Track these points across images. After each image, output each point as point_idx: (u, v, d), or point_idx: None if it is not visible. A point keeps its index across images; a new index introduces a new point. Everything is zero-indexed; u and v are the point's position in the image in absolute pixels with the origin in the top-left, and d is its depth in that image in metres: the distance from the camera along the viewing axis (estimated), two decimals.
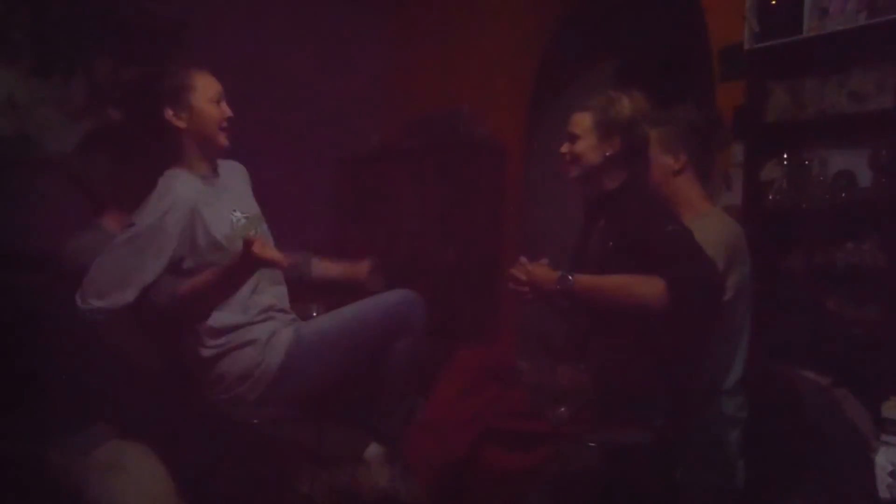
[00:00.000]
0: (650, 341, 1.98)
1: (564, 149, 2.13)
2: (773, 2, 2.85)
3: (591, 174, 2.11)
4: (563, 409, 1.95)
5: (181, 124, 2.05)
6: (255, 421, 2.02)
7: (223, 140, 2.10)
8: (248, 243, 1.83)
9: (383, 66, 4.87)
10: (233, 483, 2.09)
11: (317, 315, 2.62)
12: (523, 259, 2.05)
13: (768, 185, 2.89)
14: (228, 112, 2.10)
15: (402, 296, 2.09)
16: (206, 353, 2.00)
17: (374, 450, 2.05)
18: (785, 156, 2.87)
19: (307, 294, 2.47)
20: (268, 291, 2.12)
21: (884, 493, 2.16)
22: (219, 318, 2.00)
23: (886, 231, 2.61)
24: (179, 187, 2.02)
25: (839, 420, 2.33)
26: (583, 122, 2.11)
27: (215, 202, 2.06)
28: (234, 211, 2.09)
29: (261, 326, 2.05)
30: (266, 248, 1.87)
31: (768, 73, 2.92)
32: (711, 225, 2.19)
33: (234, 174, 2.24)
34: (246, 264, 1.88)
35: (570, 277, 1.96)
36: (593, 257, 2.11)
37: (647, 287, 1.89)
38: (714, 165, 2.58)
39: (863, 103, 2.71)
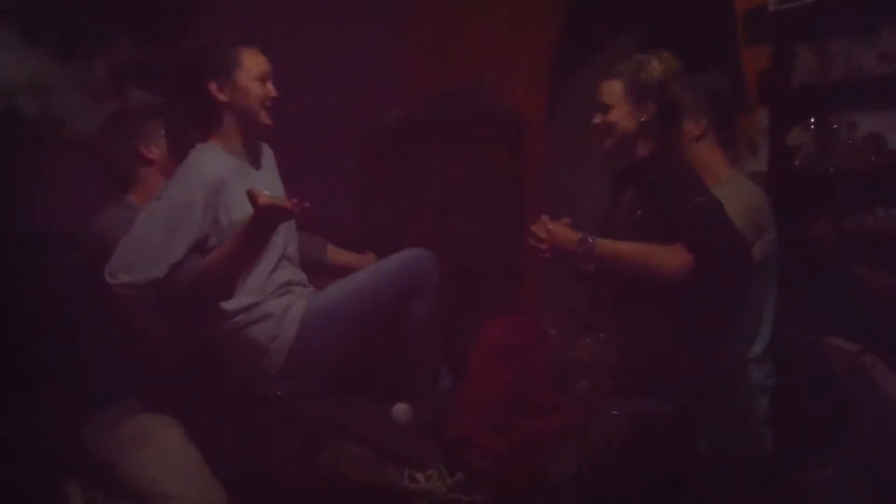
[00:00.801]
0: (675, 313, 1.95)
1: (597, 120, 2.09)
2: None
3: (626, 143, 2.08)
4: (583, 382, 1.95)
5: (224, 98, 2.06)
6: (279, 393, 2.04)
7: (265, 118, 2.09)
8: (252, 196, 1.83)
9: (404, 40, 4.84)
10: (260, 456, 2.12)
11: None
12: (545, 217, 2.02)
13: (795, 150, 2.84)
14: (273, 92, 2.10)
15: (412, 254, 2.09)
16: (226, 329, 2.02)
17: (400, 408, 2.07)
18: (812, 120, 2.81)
19: (323, 279, 2.49)
20: (287, 269, 2.14)
21: None
22: (239, 297, 2.02)
23: None
24: (207, 162, 2.03)
25: (869, 387, 2.30)
26: (614, 89, 2.07)
27: (243, 181, 2.06)
28: (263, 191, 2.09)
29: (277, 301, 2.07)
30: (272, 198, 1.88)
31: (794, 35, 2.85)
32: (734, 191, 2.15)
33: (263, 155, 2.25)
34: (259, 222, 1.88)
35: (590, 239, 1.94)
36: (620, 225, 2.09)
37: (669, 257, 1.87)
38: (737, 130, 2.53)
39: (892, 64, 2.64)
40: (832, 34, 2.79)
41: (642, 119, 2.05)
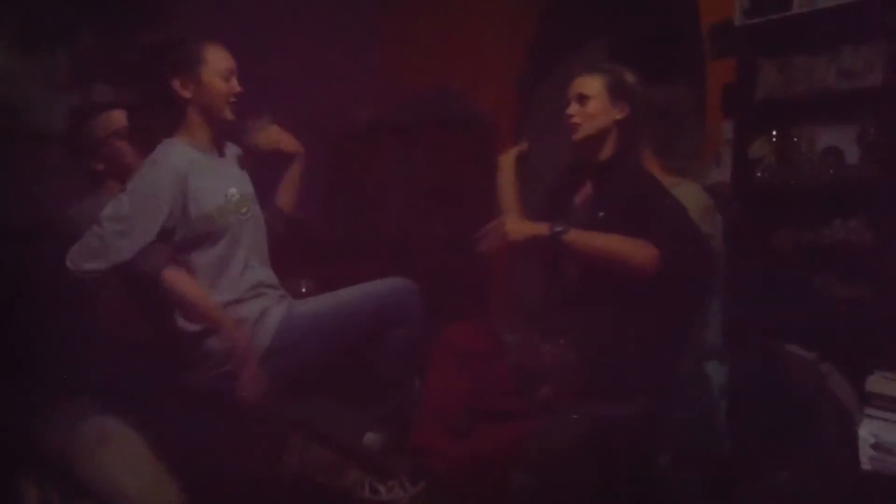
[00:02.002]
0: (635, 313, 1.98)
1: (572, 110, 2.11)
2: None
3: (596, 138, 2.10)
4: (545, 388, 1.95)
5: (187, 94, 2.04)
6: (245, 394, 2.02)
7: (229, 114, 2.09)
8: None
9: (373, 42, 4.83)
10: (224, 456, 2.09)
11: (305, 291, 2.63)
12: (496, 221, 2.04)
13: (757, 161, 2.90)
14: (237, 88, 2.09)
15: (397, 284, 2.09)
16: (194, 328, 2.00)
17: (371, 437, 2.06)
18: (774, 133, 2.88)
19: (296, 269, 2.46)
20: (257, 268, 2.12)
21: (866, 466, 2.20)
22: (209, 296, 2.00)
23: (873, 208, 2.62)
24: (173, 156, 2.02)
25: (824, 394, 2.35)
26: (594, 83, 2.10)
27: (210, 174, 2.06)
28: (231, 186, 2.09)
29: (251, 304, 2.05)
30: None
31: (758, 50, 2.92)
32: (683, 194, 2.20)
33: (232, 150, 2.24)
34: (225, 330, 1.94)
35: (561, 227, 1.95)
36: (577, 225, 2.07)
37: (641, 251, 1.89)
38: (677, 143, 2.61)
39: (851, 80, 2.72)
40: (795, 50, 2.85)
41: (617, 117, 2.09)
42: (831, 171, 2.75)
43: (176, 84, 2.04)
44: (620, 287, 1.95)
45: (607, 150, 2.11)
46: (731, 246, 2.47)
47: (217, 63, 2.06)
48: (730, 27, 2.95)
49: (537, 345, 2.03)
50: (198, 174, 2.02)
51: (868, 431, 2.24)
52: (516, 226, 2.00)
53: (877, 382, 2.30)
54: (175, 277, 1.96)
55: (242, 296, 2.04)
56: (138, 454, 1.95)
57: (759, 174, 2.88)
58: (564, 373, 1.97)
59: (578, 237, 1.95)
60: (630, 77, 2.12)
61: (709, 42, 3.19)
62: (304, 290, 2.68)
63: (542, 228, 1.97)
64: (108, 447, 1.93)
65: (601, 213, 2.06)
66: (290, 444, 2.02)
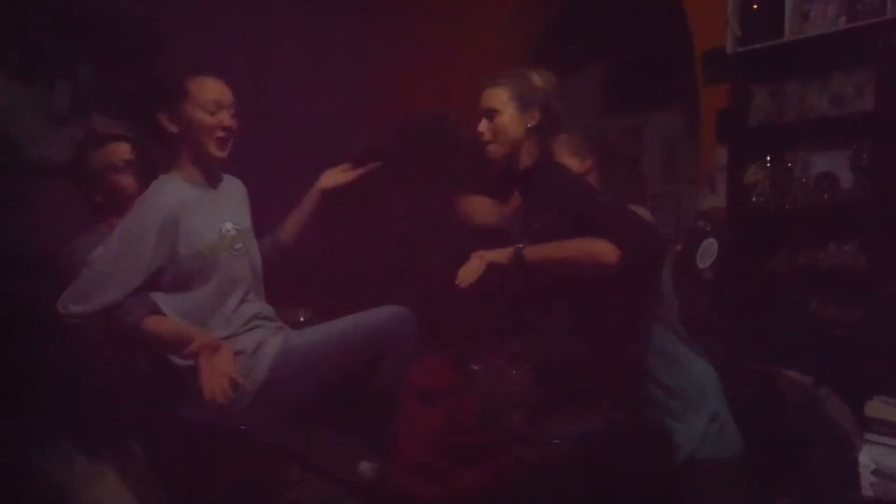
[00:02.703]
0: (587, 315, 1.95)
1: (482, 127, 2.08)
2: (755, 6, 2.88)
3: (513, 150, 2.06)
4: (516, 416, 1.91)
5: (174, 129, 2.01)
6: (242, 427, 2.02)
7: (215, 150, 2.02)
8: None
9: (370, 71, 4.87)
10: (220, 488, 2.08)
11: (304, 320, 2.62)
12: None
13: (752, 187, 2.92)
14: (226, 122, 2.02)
15: (393, 313, 2.07)
16: (187, 362, 1.98)
17: (366, 466, 2.04)
18: (768, 158, 2.90)
19: (293, 299, 2.46)
20: (253, 301, 2.11)
21: (867, 492, 2.19)
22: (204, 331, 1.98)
23: (868, 232, 2.63)
24: (163, 194, 1.99)
25: (822, 419, 2.35)
26: (500, 95, 2.06)
27: (204, 210, 2.02)
28: (226, 221, 2.06)
29: (247, 336, 2.03)
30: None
31: (751, 77, 2.95)
32: None
33: (233, 188, 2.20)
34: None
35: (520, 249, 1.92)
36: (516, 237, 2.04)
37: (599, 246, 1.83)
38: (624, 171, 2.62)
39: (843, 106, 2.75)
40: (787, 76, 2.88)
41: (528, 125, 2.05)
42: (826, 195, 2.77)
43: (163, 118, 2.01)
44: (570, 290, 1.92)
45: (526, 159, 2.08)
46: (726, 271, 2.48)
47: (201, 96, 2.00)
48: (722, 54, 2.98)
49: (503, 371, 1.98)
50: (190, 213, 1.98)
51: (868, 457, 2.24)
52: (489, 256, 1.97)
53: (875, 407, 2.30)
54: (153, 325, 1.90)
55: (237, 330, 2.02)
56: (134, 489, 1.95)
57: (754, 199, 2.90)
58: (533, 396, 1.92)
59: (536, 252, 1.93)
60: (538, 78, 2.07)
61: (702, 69, 3.21)
62: (302, 319, 2.68)
63: (507, 252, 1.95)
64: (104, 482, 1.93)
65: (536, 225, 2.01)
66: (287, 475, 2.01)
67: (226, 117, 2.03)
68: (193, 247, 1.97)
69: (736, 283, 2.36)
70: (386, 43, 4.83)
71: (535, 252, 1.93)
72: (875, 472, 2.22)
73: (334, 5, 4.51)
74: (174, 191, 2.01)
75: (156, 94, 2.04)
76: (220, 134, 2.02)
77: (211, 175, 2.11)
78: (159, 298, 1.94)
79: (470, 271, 1.97)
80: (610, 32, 4.19)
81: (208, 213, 2.03)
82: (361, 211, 4.50)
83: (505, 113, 2.05)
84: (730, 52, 2.93)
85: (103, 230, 2.09)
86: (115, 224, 2.06)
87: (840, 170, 2.79)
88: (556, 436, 1.88)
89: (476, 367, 2.04)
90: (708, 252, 2.68)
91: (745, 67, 2.93)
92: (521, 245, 1.94)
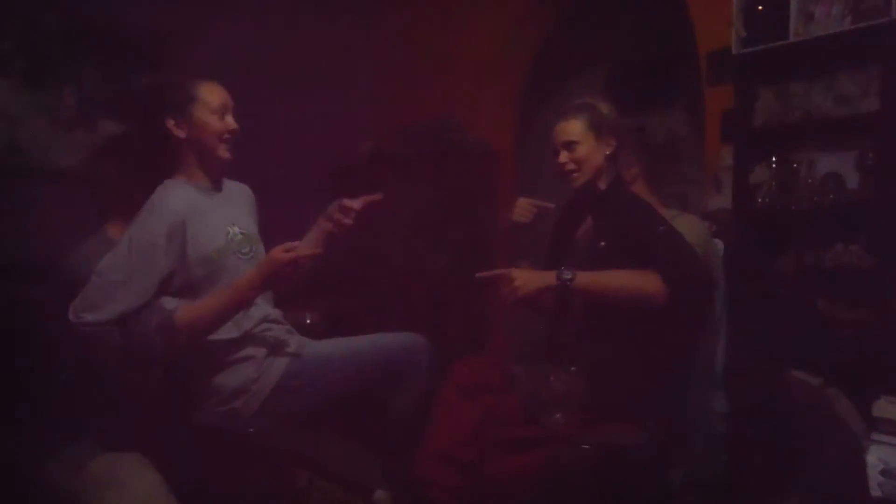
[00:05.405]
0: (641, 341, 1.99)
1: (563, 158, 2.14)
2: (760, 7, 2.88)
3: (594, 177, 2.14)
4: (558, 415, 1.96)
5: (181, 134, 2.03)
6: (251, 430, 2.02)
7: (224, 152, 2.07)
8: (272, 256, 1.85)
9: (373, 74, 4.88)
10: (230, 492, 2.09)
11: (310, 322, 2.63)
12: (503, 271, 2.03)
13: (757, 187, 2.91)
14: (232, 125, 2.07)
15: (410, 340, 2.11)
16: (202, 365, 2.00)
17: (380, 494, 2.05)
18: (773, 159, 2.89)
19: (300, 302, 2.46)
20: (262, 305, 2.12)
21: (875, 492, 2.18)
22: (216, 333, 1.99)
23: (874, 232, 2.63)
24: (171, 199, 2.01)
25: (830, 419, 2.35)
26: (576, 127, 2.13)
27: (210, 214, 2.04)
28: (233, 225, 2.08)
29: (258, 340, 2.05)
30: (291, 255, 1.89)
31: (756, 78, 2.94)
32: (681, 226, 2.22)
33: (239, 193, 2.23)
34: (267, 277, 1.89)
35: (568, 274, 1.97)
36: (583, 257, 2.12)
37: (648, 280, 1.92)
38: (667, 176, 2.65)
39: (849, 106, 2.74)
40: (792, 77, 2.88)
41: (607, 153, 2.13)
42: (832, 195, 2.76)
43: (170, 123, 2.03)
44: (627, 318, 1.96)
45: (602, 183, 2.16)
46: (733, 271, 2.48)
47: (210, 100, 2.04)
48: (727, 55, 2.98)
49: (547, 373, 2.02)
50: (196, 217, 2.00)
51: (876, 457, 2.23)
52: (525, 278, 1.99)
53: (883, 407, 2.29)
54: (188, 313, 1.93)
55: (247, 333, 2.03)
56: (147, 495, 1.95)
57: (760, 200, 2.89)
58: (577, 398, 1.97)
59: (587, 280, 1.97)
60: (605, 108, 2.16)
61: (706, 70, 3.22)
62: (308, 321, 2.69)
63: (549, 278, 1.98)
64: (115, 487, 1.93)
65: (602, 243, 2.09)
66: (294, 478, 2.02)
67: (231, 120, 2.07)
68: (201, 250, 1.99)
69: (742, 284, 2.36)
70: (388, 46, 4.84)
71: (585, 280, 1.97)
72: (883, 473, 2.21)
73: (336, 9, 4.52)
74: (180, 195, 2.02)
75: (163, 100, 2.06)
76: (228, 137, 2.07)
77: (215, 179, 2.13)
78: (169, 303, 1.95)
79: (513, 291, 1.99)
80: (614, 33, 4.18)
81: (215, 217, 2.05)
82: (366, 214, 4.51)
83: (585, 143, 2.12)
84: (734, 52, 2.92)
85: (111, 235, 2.11)
86: (117, 229, 2.08)
87: (846, 170, 2.78)
88: (591, 442, 1.91)
89: (519, 369, 2.10)
90: None
91: (749, 68, 2.92)
92: (569, 275, 1.96)
